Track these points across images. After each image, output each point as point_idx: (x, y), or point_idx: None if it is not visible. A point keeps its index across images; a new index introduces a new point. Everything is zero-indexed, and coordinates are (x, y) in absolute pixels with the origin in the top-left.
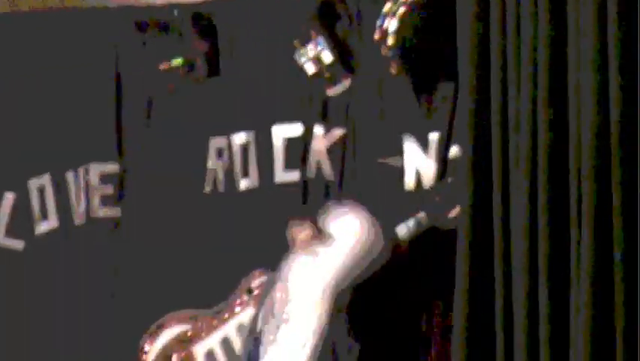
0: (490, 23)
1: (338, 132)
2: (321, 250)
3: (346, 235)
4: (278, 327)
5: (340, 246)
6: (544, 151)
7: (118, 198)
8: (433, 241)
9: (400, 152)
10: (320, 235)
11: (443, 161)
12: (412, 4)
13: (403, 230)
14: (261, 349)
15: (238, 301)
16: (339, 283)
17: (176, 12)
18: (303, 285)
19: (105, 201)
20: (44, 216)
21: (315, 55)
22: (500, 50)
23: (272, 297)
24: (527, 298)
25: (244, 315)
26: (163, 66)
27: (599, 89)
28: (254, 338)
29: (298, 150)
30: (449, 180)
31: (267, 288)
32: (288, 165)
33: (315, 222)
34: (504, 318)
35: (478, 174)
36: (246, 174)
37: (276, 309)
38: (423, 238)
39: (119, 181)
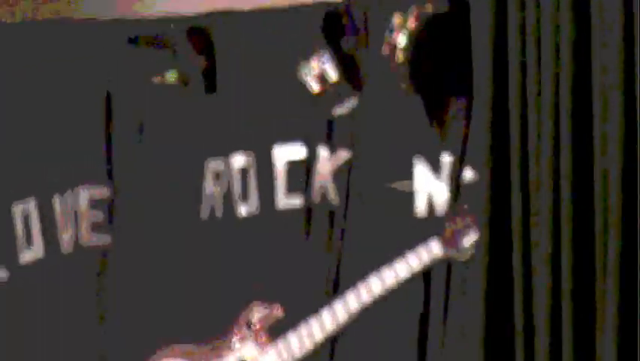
0: (507, 36)
1: (344, 155)
2: None
3: None
4: None
5: None
6: (567, 173)
7: (108, 225)
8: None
9: (410, 176)
10: None
11: (457, 185)
12: (422, 16)
13: (414, 260)
14: None
15: (237, 336)
16: None
17: (172, 26)
18: None
19: (95, 228)
20: (29, 243)
21: (319, 71)
22: (519, 66)
23: None
24: (550, 345)
25: (244, 350)
26: (157, 79)
27: (625, 105)
28: None
29: (301, 173)
30: (465, 206)
31: None
32: (291, 190)
33: None
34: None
35: (495, 200)
36: (245, 199)
37: None
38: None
39: (110, 207)
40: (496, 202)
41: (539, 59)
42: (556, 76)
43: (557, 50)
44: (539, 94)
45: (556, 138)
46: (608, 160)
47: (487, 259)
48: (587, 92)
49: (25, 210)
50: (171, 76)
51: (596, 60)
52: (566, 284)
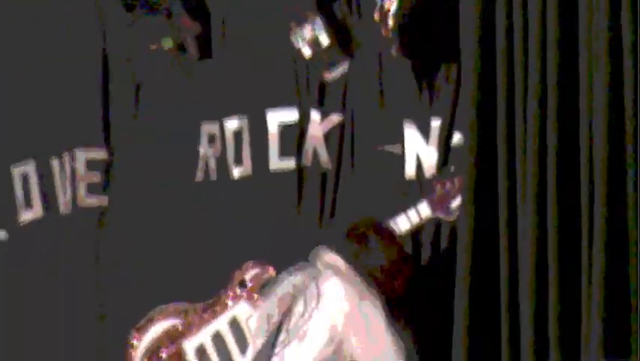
0: (495, 5)
1: (335, 118)
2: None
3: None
4: (289, 342)
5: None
6: (553, 140)
7: (105, 186)
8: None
9: (400, 139)
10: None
11: (445, 148)
12: None
13: (404, 222)
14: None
15: (231, 295)
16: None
17: None
18: (331, 311)
19: (92, 189)
20: (28, 204)
21: (311, 37)
22: (506, 32)
23: (291, 309)
24: (534, 294)
25: (237, 309)
26: (153, 46)
27: (611, 82)
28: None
29: (294, 136)
30: (452, 168)
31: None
32: (283, 152)
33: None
34: (509, 314)
35: (480, 163)
36: (239, 161)
37: (292, 323)
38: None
39: (106, 168)
40: (482, 165)
41: (525, 25)
42: (543, 42)
43: (544, 16)
44: (526, 60)
45: (543, 103)
46: (593, 126)
47: (472, 219)
48: (574, 60)
49: (24, 171)
50: (167, 42)
51: (582, 25)
52: (552, 247)
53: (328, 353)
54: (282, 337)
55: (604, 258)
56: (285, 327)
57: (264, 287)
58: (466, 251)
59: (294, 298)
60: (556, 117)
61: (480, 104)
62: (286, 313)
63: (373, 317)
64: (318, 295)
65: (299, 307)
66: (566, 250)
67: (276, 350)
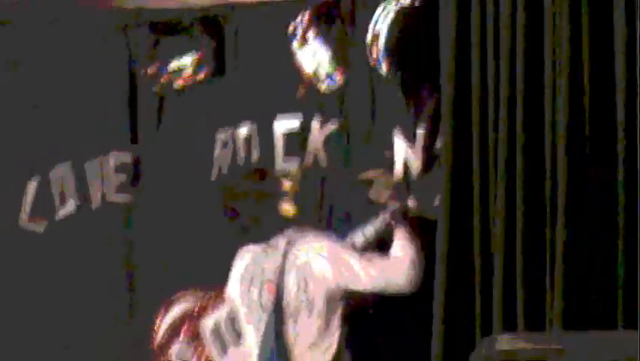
0: (470, 29)
1: (333, 126)
2: (368, 257)
3: (398, 264)
4: (296, 315)
5: (387, 269)
6: (520, 147)
7: (132, 185)
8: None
9: (390, 145)
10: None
11: (429, 153)
12: (400, 10)
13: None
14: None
15: None
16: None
17: (186, 14)
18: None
19: (120, 187)
20: (64, 201)
21: (312, 55)
22: (479, 54)
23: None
24: (503, 279)
25: None
26: (174, 63)
27: (571, 90)
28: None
29: (297, 141)
30: (434, 170)
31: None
32: (288, 155)
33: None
34: (481, 301)
35: (457, 166)
36: (249, 162)
37: (292, 300)
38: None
39: (133, 169)
40: (457, 168)
41: (497, 51)
42: (512, 61)
43: (513, 38)
44: (497, 79)
45: (512, 115)
46: (556, 134)
47: (448, 215)
48: (539, 75)
49: (62, 172)
50: (184, 63)
51: (546, 55)
52: (519, 228)
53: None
54: (286, 312)
55: (565, 237)
56: (284, 304)
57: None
58: (444, 241)
59: (278, 278)
60: (522, 120)
61: (455, 115)
62: (277, 293)
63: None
64: (305, 266)
65: (290, 285)
66: (530, 231)
67: (286, 324)
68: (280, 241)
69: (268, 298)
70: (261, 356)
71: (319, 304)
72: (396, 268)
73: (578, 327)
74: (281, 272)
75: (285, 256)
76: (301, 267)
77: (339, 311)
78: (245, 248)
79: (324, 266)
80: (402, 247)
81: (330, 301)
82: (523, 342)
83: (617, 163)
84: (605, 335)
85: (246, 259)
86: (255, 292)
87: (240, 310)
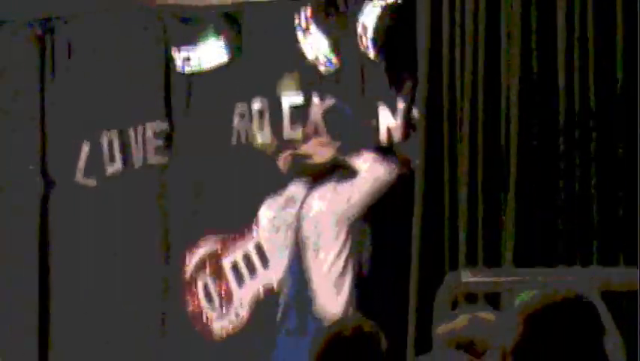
0: (441, 21)
1: (330, 101)
2: (341, 185)
3: (366, 173)
4: (315, 255)
5: (360, 183)
6: (480, 118)
7: (167, 149)
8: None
9: (376, 115)
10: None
11: (407, 123)
12: (386, 7)
13: None
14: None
15: (256, 226)
16: (354, 215)
17: (212, 11)
18: (325, 215)
19: (157, 151)
20: (112, 161)
21: (313, 43)
22: (449, 46)
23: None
24: (467, 222)
25: (260, 237)
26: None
27: (522, 71)
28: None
29: (300, 114)
30: (412, 136)
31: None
32: (293, 125)
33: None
34: (449, 240)
35: (430, 132)
36: (261, 130)
37: (311, 243)
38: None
39: (168, 136)
40: (431, 135)
41: (463, 38)
42: (474, 51)
43: (475, 33)
44: (462, 62)
45: (474, 94)
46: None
47: (423, 169)
48: (496, 54)
49: (110, 137)
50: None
51: (502, 42)
52: (480, 190)
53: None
54: (307, 254)
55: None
56: (304, 247)
57: None
58: (420, 186)
59: (298, 225)
60: (483, 99)
61: (430, 91)
62: (298, 238)
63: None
64: (318, 214)
65: (308, 231)
66: (488, 185)
67: (306, 264)
68: (297, 194)
69: (290, 237)
70: (284, 280)
71: (328, 237)
72: (373, 170)
73: (526, 264)
74: (298, 218)
75: (301, 205)
76: (313, 215)
77: (346, 239)
78: (270, 200)
79: (323, 207)
80: (364, 160)
81: (338, 229)
82: (483, 275)
83: (558, 132)
84: (552, 270)
85: (272, 209)
86: (281, 233)
87: (267, 246)
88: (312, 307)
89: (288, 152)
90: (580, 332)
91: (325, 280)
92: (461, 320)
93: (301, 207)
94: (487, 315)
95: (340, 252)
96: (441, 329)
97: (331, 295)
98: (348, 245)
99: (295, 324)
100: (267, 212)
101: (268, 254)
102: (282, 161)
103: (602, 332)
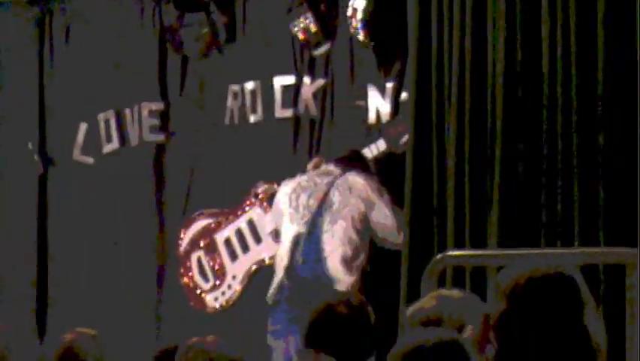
0: (430, 4)
1: (320, 82)
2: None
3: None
4: (335, 221)
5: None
6: (468, 96)
7: (162, 127)
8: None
9: (365, 96)
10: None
11: (396, 103)
12: None
13: (368, 152)
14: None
15: (248, 203)
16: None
17: None
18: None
19: (152, 129)
20: (109, 140)
21: (304, 26)
22: (437, 28)
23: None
24: (454, 205)
25: (252, 212)
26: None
27: (507, 52)
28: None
29: (292, 94)
30: (400, 116)
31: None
32: (285, 105)
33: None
34: (438, 223)
35: (419, 113)
36: (254, 111)
37: (334, 209)
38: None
39: (163, 115)
40: (420, 114)
41: (451, 22)
42: (462, 32)
43: (462, 18)
44: (450, 45)
45: (461, 76)
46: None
47: (412, 150)
48: (483, 44)
49: (106, 117)
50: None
51: (488, 30)
52: (467, 176)
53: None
54: (327, 218)
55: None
56: (327, 210)
57: (271, 198)
58: (409, 167)
59: (328, 190)
60: (471, 82)
61: (418, 73)
62: (324, 200)
63: (381, 201)
64: (349, 188)
65: (335, 197)
66: (475, 170)
67: (325, 227)
68: (334, 169)
69: (314, 203)
70: (295, 246)
71: (352, 208)
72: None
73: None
74: (330, 186)
75: (336, 177)
76: (345, 191)
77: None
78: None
79: (359, 179)
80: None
81: (365, 206)
82: (469, 256)
83: (542, 111)
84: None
85: (298, 179)
86: (303, 197)
87: (286, 212)
88: (319, 279)
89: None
90: (561, 306)
91: (337, 253)
92: (428, 300)
93: (336, 177)
94: (453, 292)
95: (359, 231)
96: (410, 310)
97: (340, 273)
98: (367, 232)
99: (296, 295)
100: (289, 183)
101: (269, 228)
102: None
103: (582, 305)
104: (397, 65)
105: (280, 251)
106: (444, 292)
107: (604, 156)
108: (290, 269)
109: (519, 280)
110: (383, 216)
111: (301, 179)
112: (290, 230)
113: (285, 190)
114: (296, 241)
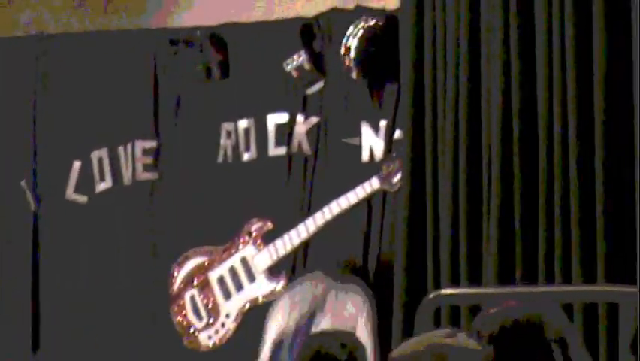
0: (423, 44)
1: (314, 120)
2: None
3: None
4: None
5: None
6: (464, 135)
7: (155, 166)
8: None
9: (358, 134)
10: None
11: (390, 141)
12: (368, 28)
13: (361, 191)
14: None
15: (242, 240)
16: None
17: (198, 32)
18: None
19: (146, 168)
20: (102, 178)
21: (298, 64)
22: (432, 64)
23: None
24: (451, 241)
25: (245, 251)
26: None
27: (504, 90)
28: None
29: (285, 132)
30: (394, 155)
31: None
32: (278, 143)
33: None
34: (433, 258)
35: (414, 151)
36: (247, 149)
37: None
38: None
39: (156, 154)
40: (415, 153)
41: (445, 59)
42: (456, 72)
43: (457, 56)
44: (445, 84)
45: (456, 114)
46: (491, 128)
47: (408, 189)
48: (477, 79)
49: (100, 155)
50: (199, 67)
51: (483, 61)
52: (462, 212)
53: None
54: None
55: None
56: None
57: (265, 235)
58: (404, 209)
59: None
60: (467, 120)
61: (413, 111)
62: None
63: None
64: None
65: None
66: (471, 205)
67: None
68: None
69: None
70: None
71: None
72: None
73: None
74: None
75: (335, 288)
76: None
77: None
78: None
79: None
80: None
81: None
82: (462, 295)
83: (538, 152)
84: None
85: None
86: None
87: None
88: None
89: None
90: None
91: None
92: (415, 344)
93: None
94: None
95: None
96: (395, 353)
97: None
98: None
99: None
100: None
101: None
102: None
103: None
104: (391, 102)
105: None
106: (433, 337)
107: (606, 189)
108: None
109: (499, 324)
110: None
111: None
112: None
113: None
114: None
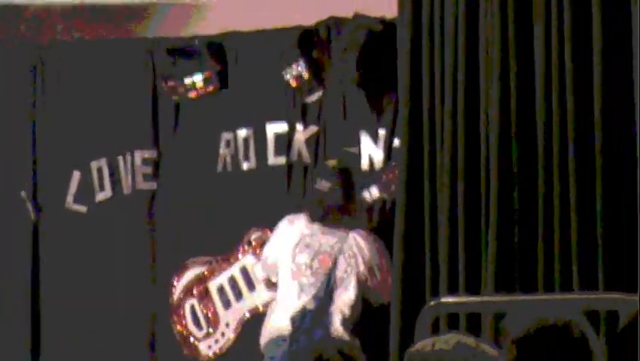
0: (421, 52)
1: (313, 128)
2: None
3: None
4: (341, 291)
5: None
6: (461, 144)
7: (155, 176)
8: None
9: (358, 143)
10: None
11: (389, 149)
12: (367, 34)
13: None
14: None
15: (241, 250)
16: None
17: (196, 41)
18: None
19: (146, 177)
20: (102, 188)
21: (297, 73)
22: (429, 73)
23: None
24: (448, 250)
25: (245, 260)
26: (188, 79)
27: (501, 101)
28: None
29: (285, 141)
30: (393, 163)
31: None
32: (278, 152)
33: None
34: (431, 268)
35: (412, 158)
36: (247, 158)
37: (340, 277)
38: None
39: (156, 163)
40: (412, 161)
41: (442, 66)
42: (454, 83)
43: (455, 62)
44: (442, 91)
45: (454, 122)
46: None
47: (405, 197)
48: (475, 92)
49: (99, 165)
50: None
51: (481, 69)
52: (460, 222)
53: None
54: (334, 288)
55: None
56: (334, 282)
57: (263, 245)
58: (400, 214)
59: (335, 257)
60: (464, 129)
61: (410, 119)
62: (332, 269)
63: (379, 268)
64: (355, 255)
65: (342, 265)
66: (469, 229)
67: (333, 299)
68: (338, 232)
69: (320, 267)
70: (295, 313)
71: (358, 287)
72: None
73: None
74: (338, 250)
75: (341, 240)
76: (351, 259)
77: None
78: (294, 216)
79: (363, 269)
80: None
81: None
82: (463, 303)
83: (537, 161)
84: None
85: (299, 227)
86: (305, 256)
87: (284, 266)
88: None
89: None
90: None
91: (338, 317)
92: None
93: (341, 240)
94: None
95: (358, 295)
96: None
97: (342, 334)
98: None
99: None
100: (288, 227)
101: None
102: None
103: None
104: (390, 111)
105: (277, 301)
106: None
107: (605, 196)
108: (293, 340)
109: (529, 328)
110: (378, 282)
111: (303, 234)
112: (291, 288)
113: (281, 241)
114: (302, 315)
